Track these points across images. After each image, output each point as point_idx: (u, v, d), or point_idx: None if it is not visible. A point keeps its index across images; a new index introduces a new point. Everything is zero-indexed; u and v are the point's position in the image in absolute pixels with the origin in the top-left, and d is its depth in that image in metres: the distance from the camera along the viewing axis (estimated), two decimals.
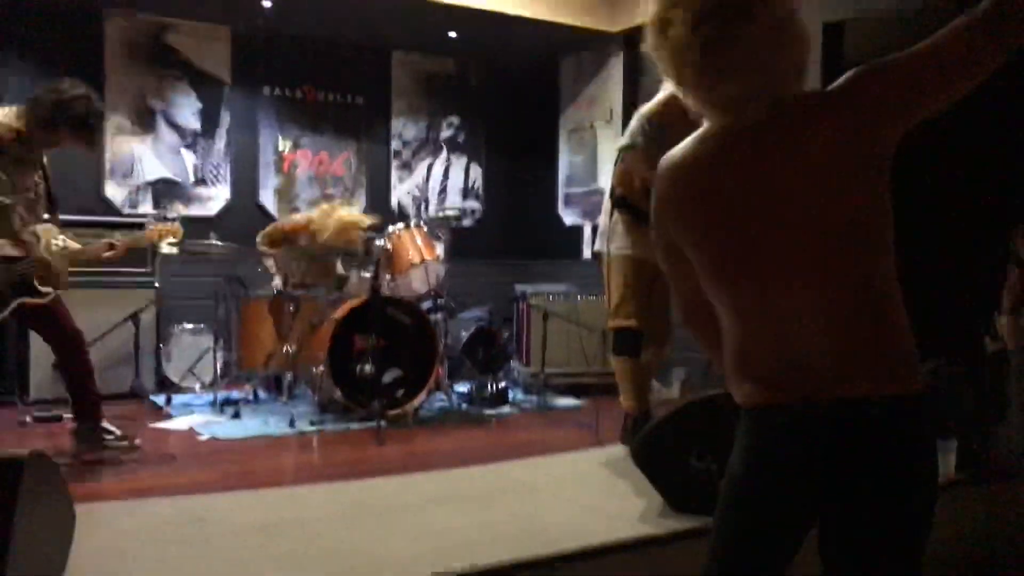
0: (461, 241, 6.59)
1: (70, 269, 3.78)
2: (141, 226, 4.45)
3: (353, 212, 5.40)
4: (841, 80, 1.35)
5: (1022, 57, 1.29)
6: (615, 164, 4.24)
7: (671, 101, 4.11)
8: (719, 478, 2.88)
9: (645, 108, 4.13)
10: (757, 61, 1.31)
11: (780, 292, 1.36)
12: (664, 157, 1.45)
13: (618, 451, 3.76)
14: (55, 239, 3.67)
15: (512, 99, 7.43)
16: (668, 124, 3.91)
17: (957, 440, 3.45)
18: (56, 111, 3.53)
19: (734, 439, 2.88)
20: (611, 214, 4.07)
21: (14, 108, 3.59)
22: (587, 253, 6.67)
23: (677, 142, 1.48)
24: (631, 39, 6.43)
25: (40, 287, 3.56)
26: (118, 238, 3.92)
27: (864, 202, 1.33)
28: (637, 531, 2.76)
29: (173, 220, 4.10)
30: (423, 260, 4.96)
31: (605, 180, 6.07)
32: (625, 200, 4.02)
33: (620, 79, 6.56)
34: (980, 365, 4.60)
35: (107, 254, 3.84)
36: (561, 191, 7.16)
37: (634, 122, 4.10)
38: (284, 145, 6.57)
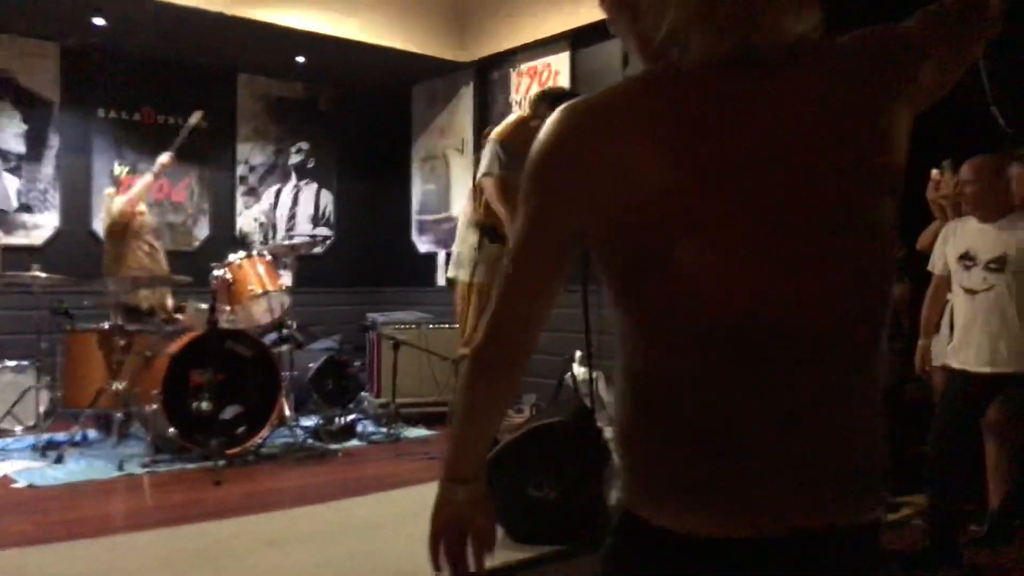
0: (311, 269, 6.48)
1: None
2: None
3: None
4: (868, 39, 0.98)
5: None
6: (473, 192, 4.28)
7: (520, 124, 4.19)
8: (558, 507, 2.92)
9: (495, 132, 4.20)
10: None
11: (794, 346, 0.89)
12: (577, 104, 0.94)
13: None
14: None
15: (364, 125, 7.36)
16: (517, 149, 4.00)
17: None
18: None
19: (571, 469, 2.91)
20: (477, 242, 4.10)
21: None
22: (440, 280, 6.66)
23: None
24: (482, 68, 6.52)
25: None
26: None
27: (889, 235, 0.95)
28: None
29: None
30: (265, 290, 4.81)
31: (458, 207, 6.10)
32: (495, 231, 4.07)
33: (471, 107, 6.62)
34: None
35: None
36: (414, 218, 7.14)
37: (487, 148, 4.15)
38: (120, 170, 6.24)
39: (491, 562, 2.72)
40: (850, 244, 0.91)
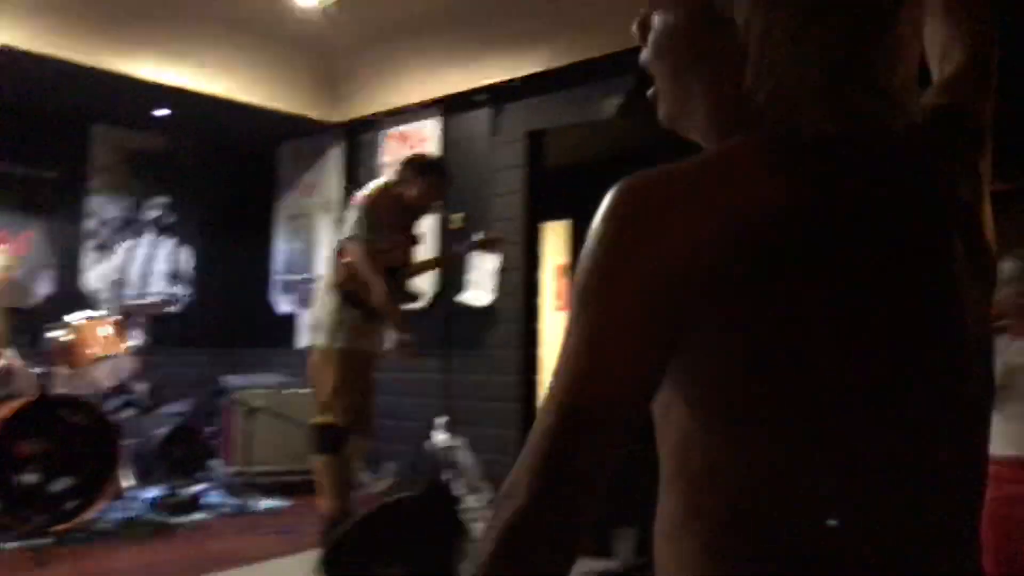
0: (167, 328, 6.16)
1: None
2: None
3: None
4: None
5: None
6: (334, 256, 4.18)
7: (383, 190, 4.15)
8: None
9: (359, 197, 4.14)
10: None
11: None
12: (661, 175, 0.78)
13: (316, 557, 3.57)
14: None
15: (227, 182, 7.14)
16: (380, 215, 3.97)
17: (636, 526, 3.62)
18: None
19: (420, 547, 2.83)
20: (338, 308, 3.99)
21: None
22: (301, 342, 6.47)
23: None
24: (351, 129, 6.47)
25: None
26: None
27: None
28: None
29: None
30: (109, 353, 4.54)
31: (322, 268, 5.97)
32: (355, 296, 3.97)
33: (339, 168, 6.55)
34: None
35: None
36: (277, 278, 6.94)
37: (352, 212, 4.09)
38: None
39: None
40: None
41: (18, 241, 6.09)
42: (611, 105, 4.92)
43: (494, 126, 5.58)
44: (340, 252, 4.10)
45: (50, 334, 4.40)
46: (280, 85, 6.19)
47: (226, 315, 6.99)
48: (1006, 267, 3.11)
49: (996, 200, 0.88)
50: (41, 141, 6.21)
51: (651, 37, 0.86)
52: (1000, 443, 2.85)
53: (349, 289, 4.02)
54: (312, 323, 4.20)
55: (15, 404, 4.11)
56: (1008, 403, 2.89)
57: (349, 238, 4.02)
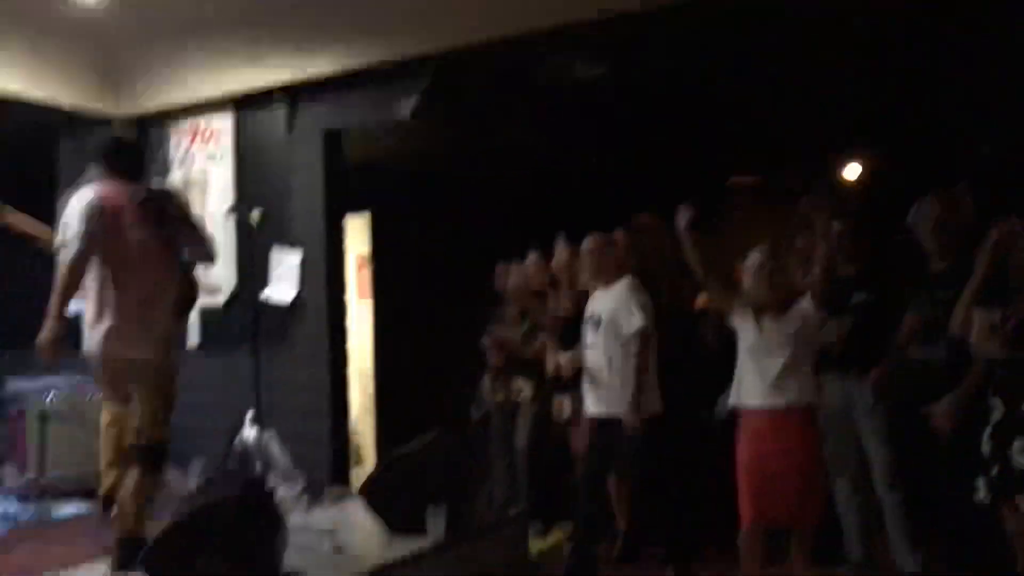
0: None
1: None
2: None
3: None
4: None
5: None
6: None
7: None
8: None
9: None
10: None
11: None
12: None
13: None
14: None
15: (5, 175, 6.69)
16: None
17: (448, 505, 3.93)
18: None
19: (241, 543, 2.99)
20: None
21: None
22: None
23: None
24: (141, 124, 6.28)
25: None
26: None
27: None
28: None
29: None
30: None
31: None
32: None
33: None
34: (466, 431, 5.34)
35: None
36: None
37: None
38: None
39: None
40: None
41: None
42: (406, 106, 5.17)
43: (290, 124, 5.65)
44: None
45: None
46: (58, 78, 5.91)
47: (9, 313, 6.58)
48: (752, 257, 3.69)
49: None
50: None
51: None
52: (757, 393, 3.43)
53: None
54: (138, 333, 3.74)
55: None
56: (765, 358, 3.46)
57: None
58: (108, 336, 3.66)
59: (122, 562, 3.51)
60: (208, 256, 4.07)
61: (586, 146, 6.78)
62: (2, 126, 6.26)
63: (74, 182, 6.64)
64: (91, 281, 3.69)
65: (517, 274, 4.88)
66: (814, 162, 7.15)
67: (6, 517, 4.67)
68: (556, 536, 4.75)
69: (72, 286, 3.61)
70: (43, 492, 4.88)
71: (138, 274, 3.69)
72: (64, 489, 5.05)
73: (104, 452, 3.83)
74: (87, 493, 5.06)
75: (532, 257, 5.04)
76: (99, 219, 3.62)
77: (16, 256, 6.70)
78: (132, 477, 3.62)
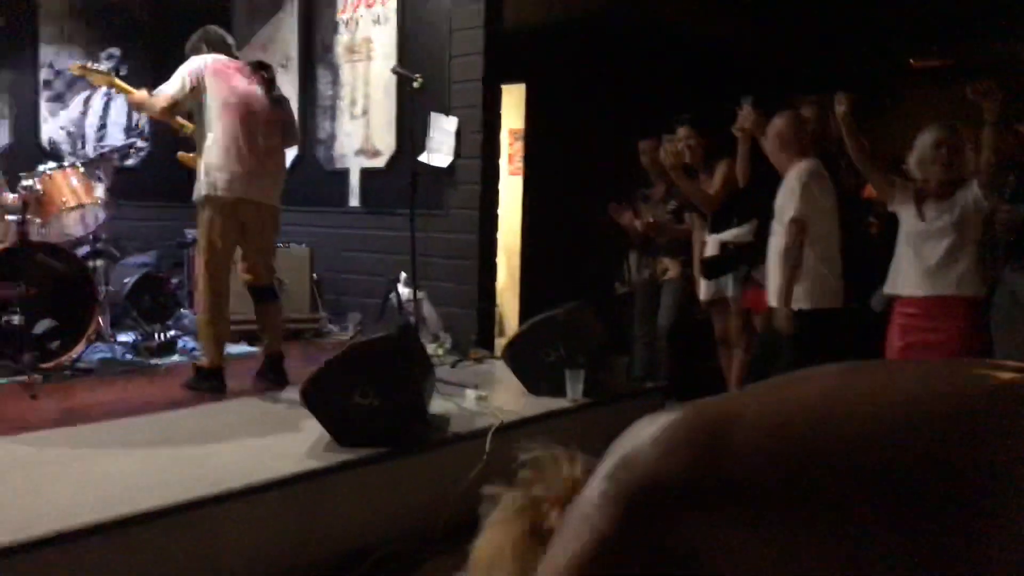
0: (125, 181, 6.23)
1: None
2: None
3: None
4: None
5: None
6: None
7: None
8: (381, 413, 3.16)
9: None
10: None
11: None
12: None
13: (290, 395, 3.88)
14: None
15: (182, 35, 7.01)
16: None
17: (584, 370, 4.02)
18: None
19: (394, 379, 3.16)
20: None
21: None
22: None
23: None
24: None
25: None
26: None
27: None
28: (303, 466, 2.95)
29: None
30: (80, 203, 4.67)
31: None
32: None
33: (295, 24, 6.52)
34: (609, 304, 5.36)
35: None
36: None
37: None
38: None
39: (318, 463, 2.94)
40: None
41: None
42: None
43: None
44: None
45: (23, 183, 4.49)
46: None
47: (184, 170, 7.03)
48: (923, 136, 3.45)
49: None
50: None
51: None
52: (913, 281, 3.27)
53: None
54: (272, 181, 4.23)
55: None
56: (924, 245, 3.29)
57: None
58: (246, 180, 4.03)
59: (269, 377, 4.30)
60: (295, 136, 4.50)
61: (754, 20, 6.40)
62: None
63: (244, 39, 6.89)
64: (213, 130, 4.04)
65: (665, 150, 4.70)
66: (994, 43, 6.49)
67: (185, 351, 5.10)
68: None
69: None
70: None
71: (262, 129, 4.11)
72: (234, 332, 5.43)
73: (208, 320, 4.23)
74: (253, 335, 5.46)
75: (683, 131, 4.83)
76: (215, 76, 4.09)
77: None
78: (270, 310, 4.35)
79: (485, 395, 4.01)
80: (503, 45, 5.59)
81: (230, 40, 4.48)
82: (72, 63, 4.63)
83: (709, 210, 4.63)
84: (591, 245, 6.13)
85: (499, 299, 6.22)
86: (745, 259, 4.40)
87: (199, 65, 4.10)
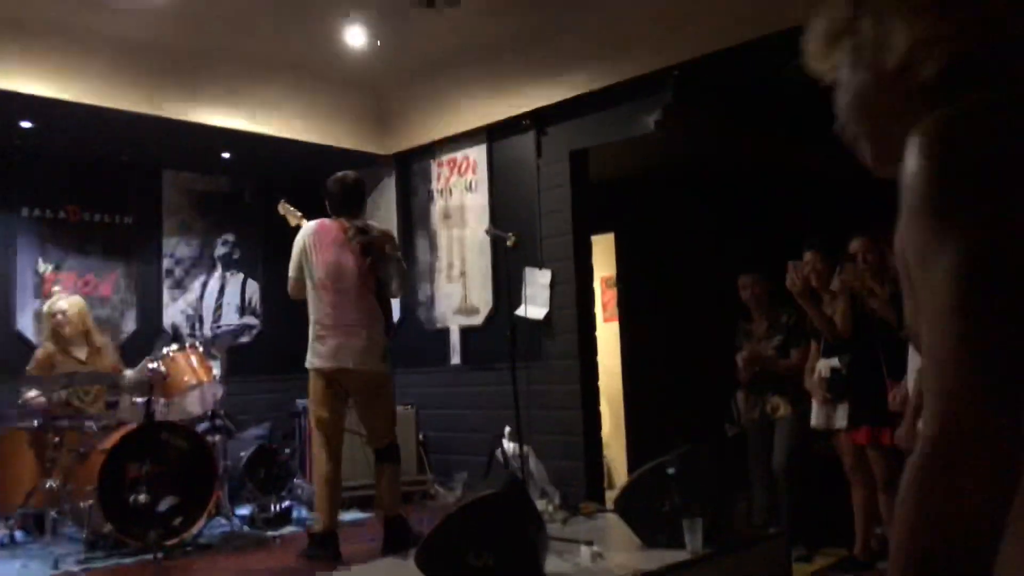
0: (240, 358, 6.55)
1: None
2: None
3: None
4: None
5: None
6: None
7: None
8: (496, 574, 3.10)
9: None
10: None
11: None
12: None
13: (403, 561, 3.84)
14: None
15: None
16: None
17: (703, 518, 3.86)
18: None
19: (507, 537, 3.10)
20: (383, 336, 4.40)
21: None
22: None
23: None
24: (403, 160, 6.83)
25: None
26: None
27: None
28: None
29: None
30: (200, 381, 4.91)
31: None
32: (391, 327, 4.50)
33: (393, 199, 6.90)
34: (722, 447, 5.20)
35: None
36: None
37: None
38: (45, 267, 6.27)
39: None
40: None
41: (104, 283, 6.55)
42: (649, 121, 5.22)
43: (538, 148, 5.89)
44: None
45: (149, 365, 4.77)
46: (333, 122, 6.58)
47: (293, 342, 7.34)
48: None
49: None
50: (119, 189, 6.67)
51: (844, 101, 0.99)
52: None
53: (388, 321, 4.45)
54: (365, 348, 4.31)
55: (124, 430, 4.49)
56: None
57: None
58: (337, 352, 4.20)
59: (393, 542, 4.23)
60: (400, 289, 4.58)
61: (833, 149, 6.43)
62: (284, 169, 7.03)
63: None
64: (310, 302, 4.36)
65: (791, 275, 4.62)
66: None
67: (301, 520, 5.17)
68: (822, 562, 4.49)
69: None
70: None
71: (353, 298, 4.27)
72: (346, 498, 5.49)
73: (322, 485, 4.32)
74: (365, 500, 5.51)
75: (809, 256, 4.72)
76: (311, 250, 4.35)
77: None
78: (386, 472, 4.33)
79: (600, 551, 3.88)
80: (590, 198, 5.78)
81: (347, 188, 4.61)
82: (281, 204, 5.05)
83: (837, 336, 4.49)
84: (695, 387, 6.03)
85: (605, 448, 6.13)
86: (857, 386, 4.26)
87: (301, 241, 4.42)
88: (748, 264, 5.18)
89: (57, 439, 4.63)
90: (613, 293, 7.08)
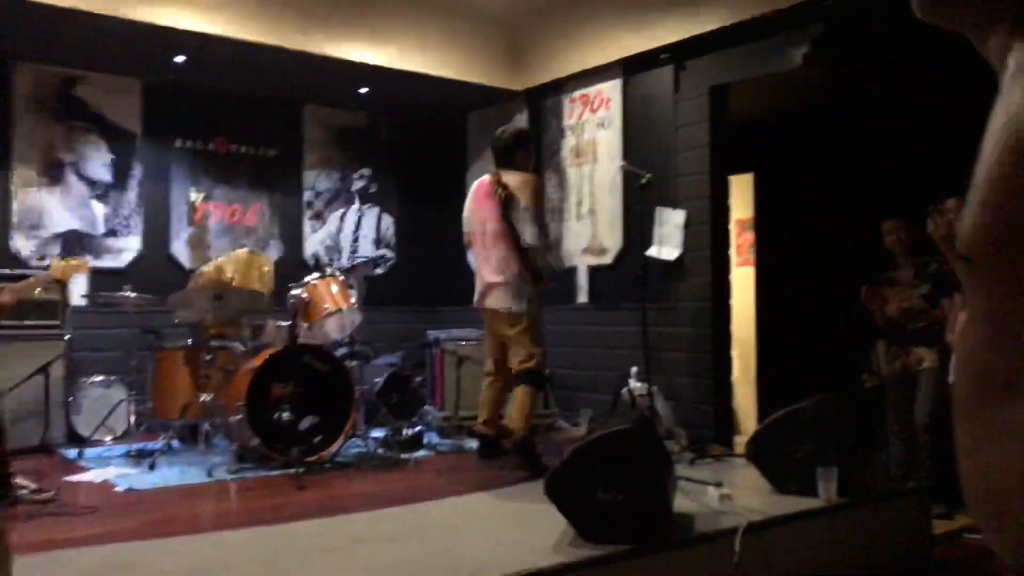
0: (374, 289, 6.76)
1: None
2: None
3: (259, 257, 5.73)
4: None
5: None
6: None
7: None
8: (626, 509, 3.12)
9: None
10: None
11: None
12: None
13: (531, 488, 3.94)
14: None
15: (422, 151, 7.68)
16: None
17: (838, 467, 3.76)
18: None
19: (637, 473, 3.12)
20: (525, 278, 4.66)
21: None
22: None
23: None
24: (533, 96, 6.78)
25: None
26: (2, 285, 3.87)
27: None
28: (552, 560, 2.95)
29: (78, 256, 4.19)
30: (339, 308, 5.10)
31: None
32: (536, 271, 4.71)
33: None
34: (859, 397, 5.02)
35: (4, 301, 3.78)
36: None
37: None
38: (196, 196, 6.63)
39: (565, 559, 2.93)
40: None
41: (250, 214, 6.87)
42: (796, 55, 4.97)
43: (676, 83, 5.72)
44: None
45: (292, 292, 4.99)
46: (468, 57, 6.58)
47: (426, 275, 7.56)
48: None
49: None
50: (264, 122, 6.94)
51: None
52: None
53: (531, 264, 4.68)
54: (504, 288, 4.67)
55: (268, 351, 4.74)
56: None
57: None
58: (482, 293, 4.77)
59: (521, 462, 4.48)
60: (537, 239, 4.75)
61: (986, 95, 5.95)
62: (419, 104, 7.12)
63: (478, 152, 7.38)
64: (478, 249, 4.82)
65: (934, 222, 4.39)
66: None
67: (430, 446, 5.36)
68: (964, 521, 4.31)
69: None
70: (459, 427, 5.53)
71: (491, 244, 4.70)
72: (472, 428, 5.65)
73: (484, 404, 4.88)
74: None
75: (952, 203, 4.47)
76: (469, 204, 4.87)
77: (423, 227, 7.70)
78: (518, 394, 4.59)
79: (728, 493, 3.84)
80: (729, 136, 5.58)
81: (496, 143, 4.96)
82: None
83: None
84: (832, 335, 5.82)
85: (733, 394, 6.03)
86: None
87: (468, 199, 4.91)
88: (891, 210, 4.92)
89: (209, 357, 4.94)
90: (748, 236, 6.87)
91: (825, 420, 3.93)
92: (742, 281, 6.62)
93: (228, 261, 5.60)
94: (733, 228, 6.54)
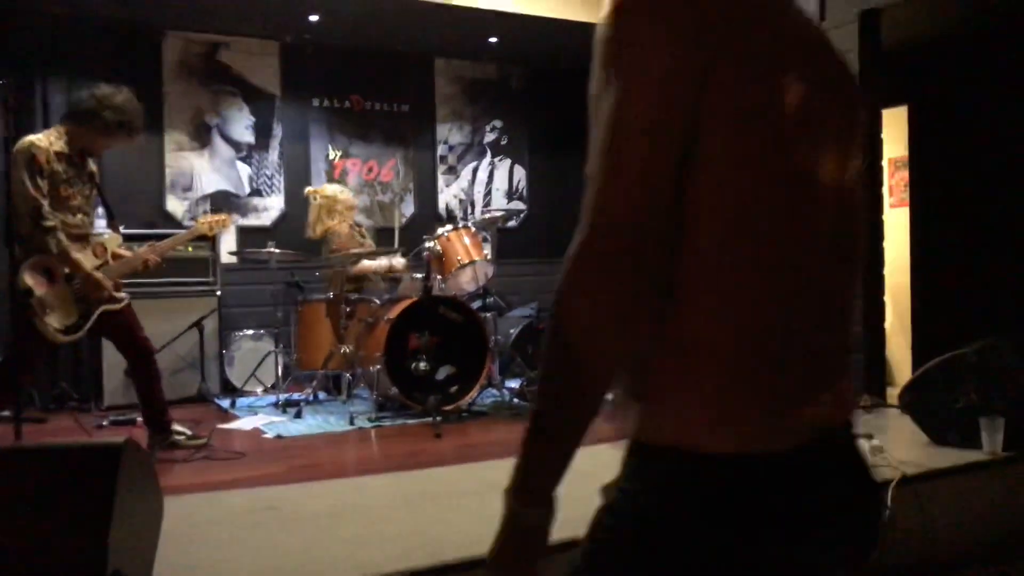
0: (507, 241, 6.76)
1: (135, 280, 3.97)
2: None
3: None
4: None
5: None
6: None
7: None
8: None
9: None
10: None
11: (824, 254, 0.93)
12: None
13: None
14: (117, 249, 3.88)
15: (553, 103, 7.55)
16: None
17: (1005, 418, 3.47)
18: (97, 106, 3.63)
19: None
20: None
21: (53, 129, 3.71)
22: None
23: None
24: None
25: (116, 294, 3.79)
26: (152, 243, 4.01)
27: None
28: None
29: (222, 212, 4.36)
30: (472, 260, 5.11)
31: None
32: None
33: None
34: None
35: (150, 258, 3.94)
36: None
37: None
38: (334, 154, 6.79)
39: None
40: None
41: (385, 169, 6.99)
42: None
43: (822, 8, 5.33)
44: None
45: (426, 244, 5.04)
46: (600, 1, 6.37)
47: (560, 227, 7.46)
48: None
49: None
50: (396, 78, 7.00)
51: None
52: None
53: None
54: None
55: (405, 303, 4.82)
56: None
57: None
58: None
59: None
60: None
61: None
62: (547, 52, 6.98)
63: None
64: None
65: None
66: None
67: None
68: None
69: None
70: None
71: None
72: None
73: None
74: None
75: None
76: None
77: (555, 178, 7.58)
78: None
79: (881, 445, 3.61)
80: (881, 65, 5.17)
81: None
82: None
83: None
84: (996, 283, 5.36)
85: (886, 343, 5.67)
86: None
87: None
88: None
89: (349, 309, 5.08)
90: (902, 176, 6.40)
91: (991, 366, 3.63)
92: (896, 223, 6.19)
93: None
94: (886, 166, 6.11)
